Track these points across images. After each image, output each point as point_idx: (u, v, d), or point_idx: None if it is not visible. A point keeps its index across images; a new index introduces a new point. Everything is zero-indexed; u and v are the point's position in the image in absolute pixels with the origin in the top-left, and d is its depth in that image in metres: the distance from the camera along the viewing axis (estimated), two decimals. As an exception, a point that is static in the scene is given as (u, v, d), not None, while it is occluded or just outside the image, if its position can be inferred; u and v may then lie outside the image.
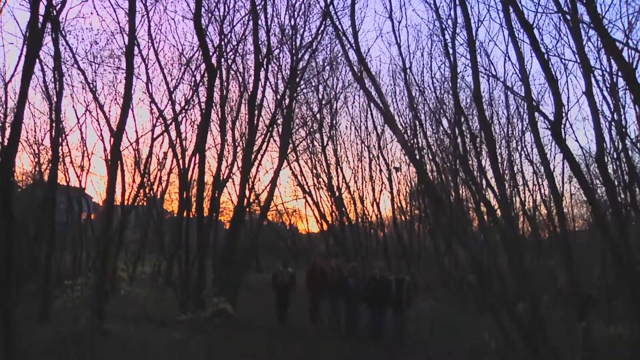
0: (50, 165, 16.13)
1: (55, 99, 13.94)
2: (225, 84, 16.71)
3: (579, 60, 7.52)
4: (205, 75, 13.24)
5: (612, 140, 11.58)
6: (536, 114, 8.51)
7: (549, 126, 6.70)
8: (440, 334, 12.16)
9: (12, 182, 9.29)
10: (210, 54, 12.30)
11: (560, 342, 8.70)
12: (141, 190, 20.75)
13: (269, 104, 18.46)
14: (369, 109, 23.51)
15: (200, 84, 16.36)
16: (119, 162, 14.34)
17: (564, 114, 8.29)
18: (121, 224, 19.15)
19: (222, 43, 13.87)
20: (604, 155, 9.08)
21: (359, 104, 24.72)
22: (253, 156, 14.74)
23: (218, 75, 14.02)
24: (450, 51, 10.25)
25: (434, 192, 12.58)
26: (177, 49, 23.29)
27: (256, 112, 14.11)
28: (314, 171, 25.00)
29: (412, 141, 16.75)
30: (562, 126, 6.94)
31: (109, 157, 16.60)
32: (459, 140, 12.80)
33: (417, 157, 12.60)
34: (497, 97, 23.08)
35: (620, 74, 8.63)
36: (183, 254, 14.46)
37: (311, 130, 22.22)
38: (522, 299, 9.61)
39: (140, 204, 23.16)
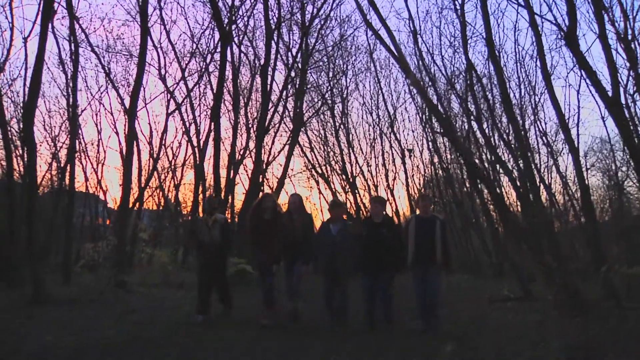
0: (68, 152, 16.33)
1: (71, 70, 14.14)
2: (237, 61, 16.98)
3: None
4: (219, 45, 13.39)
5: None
6: (546, 25, 8.40)
7: (563, 35, 6.65)
8: (459, 292, 12.15)
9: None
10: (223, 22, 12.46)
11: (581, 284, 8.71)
12: (155, 173, 20.99)
13: (279, 84, 18.59)
14: (380, 92, 23.61)
15: (213, 57, 16.55)
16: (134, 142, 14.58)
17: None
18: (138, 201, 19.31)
19: (233, 10, 14.03)
20: (619, 96, 9.10)
21: (370, 90, 24.82)
22: (267, 128, 14.91)
23: (229, 60, 14.25)
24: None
25: (469, 155, 12.20)
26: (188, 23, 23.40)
27: (269, 80, 14.23)
28: (326, 157, 25.08)
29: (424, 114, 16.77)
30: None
31: (123, 146, 16.78)
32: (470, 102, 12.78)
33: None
34: (511, 71, 22.82)
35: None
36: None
37: (323, 106, 22.06)
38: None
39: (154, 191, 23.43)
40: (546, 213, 9.41)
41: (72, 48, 13.25)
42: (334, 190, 25.16)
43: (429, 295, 6.51)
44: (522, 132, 12.38)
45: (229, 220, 11.51)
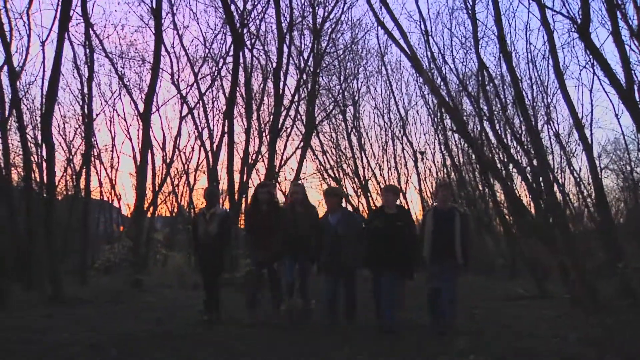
0: (84, 156, 16.58)
1: (86, 74, 14.37)
2: (250, 65, 17.13)
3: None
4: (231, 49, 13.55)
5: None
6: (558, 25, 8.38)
7: (576, 28, 6.61)
8: (474, 292, 12.11)
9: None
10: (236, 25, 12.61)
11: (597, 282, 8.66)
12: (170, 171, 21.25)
13: (291, 88, 18.73)
14: (391, 95, 23.61)
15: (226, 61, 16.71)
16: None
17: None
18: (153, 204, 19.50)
19: (245, 14, 14.19)
20: (633, 92, 9.05)
21: (381, 93, 24.81)
22: (279, 132, 15.03)
23: (242, 63, 14.41)
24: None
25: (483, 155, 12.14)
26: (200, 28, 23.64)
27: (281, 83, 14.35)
28: (338, 161, 25.11)
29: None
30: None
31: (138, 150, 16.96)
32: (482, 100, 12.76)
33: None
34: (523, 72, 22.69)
35: None
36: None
37: (335, 109, 22.08)
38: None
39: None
40: (561, 209, 9.31)
41: (87, 53, 13.50)
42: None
43: (444, 293, 5.85)
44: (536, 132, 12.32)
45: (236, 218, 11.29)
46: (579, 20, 6.47)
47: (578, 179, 16.18)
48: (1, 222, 10.67)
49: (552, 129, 17.43)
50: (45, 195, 10.39)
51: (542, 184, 10.50)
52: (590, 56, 9.19)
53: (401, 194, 24.20)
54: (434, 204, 6.66)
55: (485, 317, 7.35)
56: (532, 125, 10.79)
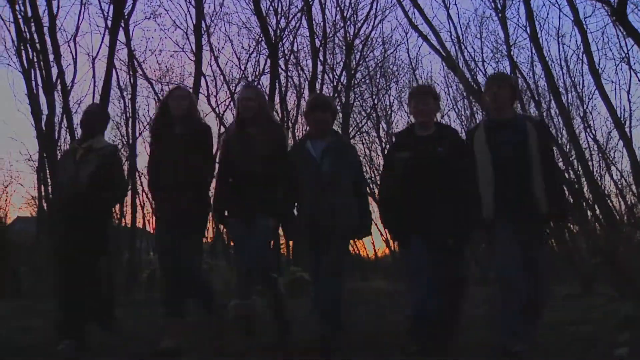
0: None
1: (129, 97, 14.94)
2: (285, 83, 17.60)
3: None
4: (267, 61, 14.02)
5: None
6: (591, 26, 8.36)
7: (611, 12, 6.59)
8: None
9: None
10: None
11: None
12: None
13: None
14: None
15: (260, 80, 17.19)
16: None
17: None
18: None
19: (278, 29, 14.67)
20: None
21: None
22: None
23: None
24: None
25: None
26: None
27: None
28: (373, 177, 25.18)
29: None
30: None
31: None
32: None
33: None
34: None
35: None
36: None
37: (367, 124, 22.26)
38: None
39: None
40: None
41: (131, 72, 14.16)
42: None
43: (532, 282, 3.19)
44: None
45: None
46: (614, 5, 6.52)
47: (621, 184, 15.92)
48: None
49: (589, 135, 17.26)
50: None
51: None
52: (627, 49, 9.15)
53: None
54: (484, 115, 4.08)
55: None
56: (570, 124, 10.75)
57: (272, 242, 4.26)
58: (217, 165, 4.03)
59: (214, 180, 3.97)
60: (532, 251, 3.27)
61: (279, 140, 3.82)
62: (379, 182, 4.49)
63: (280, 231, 4.23)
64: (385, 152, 21.62)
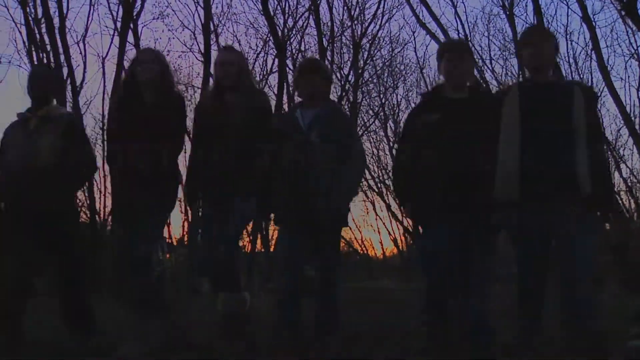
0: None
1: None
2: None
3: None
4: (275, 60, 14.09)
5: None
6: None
7: (621, 6, 6.57)
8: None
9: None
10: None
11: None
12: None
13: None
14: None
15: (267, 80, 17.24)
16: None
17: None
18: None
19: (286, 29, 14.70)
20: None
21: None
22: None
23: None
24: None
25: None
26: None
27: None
28: (380, 176, 25.18)
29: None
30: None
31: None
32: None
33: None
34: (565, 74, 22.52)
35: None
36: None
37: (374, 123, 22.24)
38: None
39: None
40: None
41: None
42: (391, 211, 24.94)
43: (570, 274, 2.64)
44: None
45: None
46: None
47: (630, 183, 15.84)
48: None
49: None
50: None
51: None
52: (636, 45, 9.09)
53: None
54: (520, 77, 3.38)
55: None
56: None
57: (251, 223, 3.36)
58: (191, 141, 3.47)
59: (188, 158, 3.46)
60: (569, 234, 2.63)
61: (262, 109, 3.21)
62: (395, 152, 3.58)
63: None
64: (394, 151, 21.76)
